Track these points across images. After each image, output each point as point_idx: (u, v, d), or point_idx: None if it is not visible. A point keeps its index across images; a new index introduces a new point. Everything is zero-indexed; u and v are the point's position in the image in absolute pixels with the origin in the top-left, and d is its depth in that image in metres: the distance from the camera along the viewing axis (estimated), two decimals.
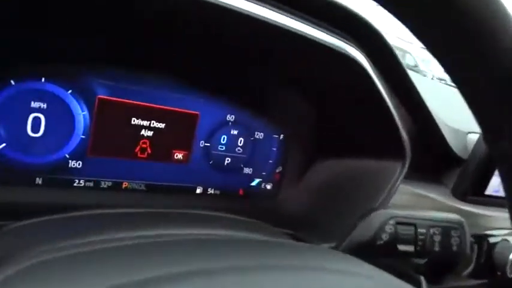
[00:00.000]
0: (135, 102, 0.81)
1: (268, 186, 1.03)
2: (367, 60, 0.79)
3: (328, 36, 0.74)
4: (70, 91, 0.75)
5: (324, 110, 0.98)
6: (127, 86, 0.80)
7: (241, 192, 0.99)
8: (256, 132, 0.97)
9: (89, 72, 0.76)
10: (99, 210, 0.70)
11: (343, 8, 0.74)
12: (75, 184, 0.80)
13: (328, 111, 0.97)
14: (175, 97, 0.85)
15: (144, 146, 0.85)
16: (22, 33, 0.68)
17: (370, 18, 0.79)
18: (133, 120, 0.82)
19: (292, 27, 0.69)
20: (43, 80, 0.73)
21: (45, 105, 0.74)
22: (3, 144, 0.72)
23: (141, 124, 0.83)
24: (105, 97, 0.79)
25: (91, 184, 0.82)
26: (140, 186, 0.87)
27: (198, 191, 0.94)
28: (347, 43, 0.76)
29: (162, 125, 0.85)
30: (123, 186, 0.85)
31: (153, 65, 0.82)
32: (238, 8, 0.63)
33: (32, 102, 0.73)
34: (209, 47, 0.81)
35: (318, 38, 0.72)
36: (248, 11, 0.64)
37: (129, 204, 0.84)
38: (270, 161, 1.01)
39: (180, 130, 0.88)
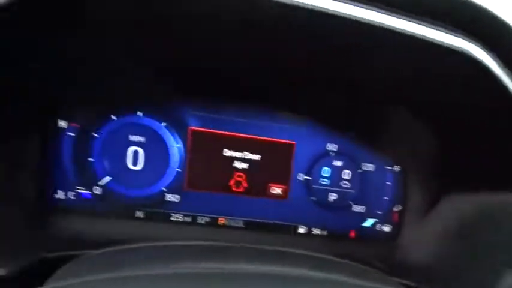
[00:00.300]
0: (227, 132, 0.79)
1: (386, 228, 0.86)
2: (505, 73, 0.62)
3: (452, 37, 0.59)
4: (164, 124, 0.77)
5: (449, 135, 0.80)
6: (219, 117, 0.79)
7: (352, 234, 0.86)
8: (364, 164, 0.85)
9: (181, 105, 0.78)
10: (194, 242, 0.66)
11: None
12: (172, 218, 0.79)
13: (454, 138, 0.80)
14: (269, 126, 0.81)
15: (239, 179, 0.80)
16: (120, 71, 0.73)
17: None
18: (227, 152, 0.79)
19: (410, 31, 0.56)
20: (140, 114, 0.76)
21: (142, 139, 0.76)
22: (108, 178, 0.76)
23: (235, 156, 0.80)
24: (198, 128, 0.78)
25: (188, 219, 0.79)
26: (238, 223, 0.81)
27: (301, 230, 0.84)
28: (477, 45, 0.60)
29: (256, 157, 0.80)
30: (220, 222, 0.81)
31: (245, 95, 0.80)
32: (341, 13, 0.54)
33: (131, 136, 0.76)
34: (307, 71, 0.75)
35: (442, 41, 0.58)
36: (354, 15, 0.54)
37: (227, 240, 0.78)
38: (386, 198, 0.86)
39: (276, 162, 0.81)
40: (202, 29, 0.59)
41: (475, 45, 0.58)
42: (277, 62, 0.71)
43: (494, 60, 0.58)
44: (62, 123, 0.74)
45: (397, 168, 0.86)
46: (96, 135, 0.75)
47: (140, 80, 0.75)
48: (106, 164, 0.76)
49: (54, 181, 0.74)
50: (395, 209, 0.86)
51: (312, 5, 0.50)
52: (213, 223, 0.80)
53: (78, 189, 0.75)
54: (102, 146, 0.75)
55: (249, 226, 0.81)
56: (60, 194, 0.74)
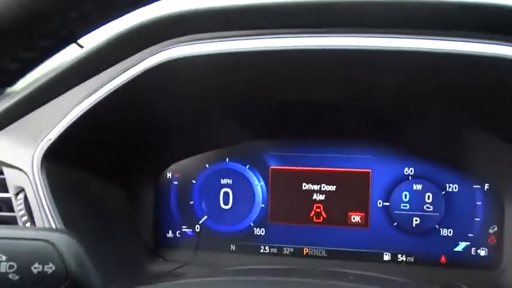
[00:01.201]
0: (304, 168, 0.87)
1: (482, 252, 0.81)
2: None
3: None
4: (248, 166, 0.89)
5: None
6: (296, 154, 0.88)
7: (443, 259, 0.83)
8: (447, 185, 0.83)
9: (261, 148, 0.89)
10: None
11: None
12: (261, 250, 0.89)
13: None
14: (343, 158, 0.86)
15: (318, 210, 0.86)
16: (212, 128, 0.89)
17: None
18: (305, 186, 0.87)
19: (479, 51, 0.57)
20: (227, 160, 0.90)
21: (230, 181, 0.89)
22: (206, 217, 0.90)
23: (313, 188, 0.87)
24: (277, 167, 0.88)
25: (275, 250, 0.88)
26: (321, 252, 0.87)
27: (386, 257, 0.84)
28: None
29: (333, 188, 0.86)
30: (304, 252, 0.87)
31: (320, 131, 0.88)
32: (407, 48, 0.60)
33: (221, 180, 0.90)
34: (377, 98, 0.79)
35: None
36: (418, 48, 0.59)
37: (312, 269, 0.84)
38: (477, 219, 0.81)
39: (353, 191, 0.85)
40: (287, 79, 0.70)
41: None
42: (361, 101, 0.77)
43: None
44: (169, 175, 0.92)
45: (486, 186, 0.81)
46: (194, 181, 0.91)
47: (227, 132, 0.89)
48: (203, 205, 0.90)
49: (165, 223, 0.91)
50: (490, 231, 0.81)
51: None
52: (298, 253, 0.87)
53: (183, 228, 0.91)
54: (200, 190, 0.90)
55: (332, 255, 0.86)
56: (170, 233, 0.91)
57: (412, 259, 0.84)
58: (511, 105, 0.66)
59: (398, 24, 0.59)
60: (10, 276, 0.51)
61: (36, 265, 0.51)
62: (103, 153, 0.78)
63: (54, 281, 0.52)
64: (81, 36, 0.35)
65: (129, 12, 0.34)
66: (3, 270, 0.50)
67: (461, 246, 0.82)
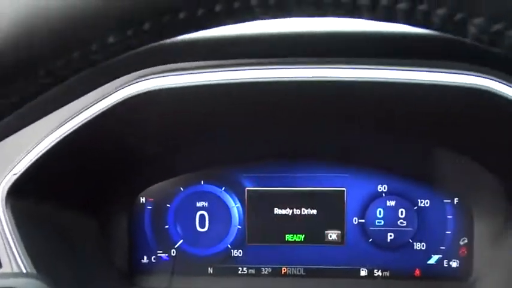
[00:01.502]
0: (280, 188, 0.87)
1: (454, 264, 0.84)
2: None
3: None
4: (223, 188, 0.88)
5: (504, 168, 0.77)
6: (271, 175, 0.87)
7: (417, 272, 0.85)
8: (419, 200, 0.85)
9: (236, 169, 0.88)
10: None
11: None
12: (239, 272, 0.88)
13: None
14: (318, 177, 0.86)
15: (294, 229, 0.87)
16: (186, 152, 0.87)
17: None
18: (281, 206, 0.87)
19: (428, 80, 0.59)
20: (202, 182, 0.88)
21: (206, 204, 0.88)
22: (181, 241, 0.89)
23: (289, 208, 0.87)
24: (253, 188, 0.87)
25: (253, 271, 0.88)
26: (299, 271, 0.87)
27: (363, 273, 0.86)
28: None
29: (309, 207, 0.86)
30: (283, 271, 0.87)
31: (294, 152, 0.88)
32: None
33: (197, 203, 0.88)
34: (349, 120, 0.80)
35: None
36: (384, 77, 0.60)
37: None
38: (448, 232, 0.84)
39: (329, 209, 0.86)
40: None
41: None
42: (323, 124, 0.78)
43: None
44: (143, 199, 0.89)
45: (456, 200, 0.84)
46: (169, 205, 0.89)
47: (202, 156, 0.87)
48: (179, 229, 0.89)
49: (140, 249, 0.89)
50: (461, 243, 0.84)
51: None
52: (276, 273, 0.87)
53: (158, 253, 0.89)
54: (175, 214, 0.89)
55: (310, 273, 0.86)
56: (145, 259, 0.89)
57: (387, 273, 0.85)
58: (475, 127, 0.68)
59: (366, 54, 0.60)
60: None
61: None
62: (73, 184, 0.75)
63: None
64: None
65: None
66: None
67: (434, 259, 0.84)
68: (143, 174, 0.86)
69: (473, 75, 0.57)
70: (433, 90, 0.59)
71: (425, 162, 0.83)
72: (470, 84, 0.58)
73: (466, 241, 0.83)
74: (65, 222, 0.76)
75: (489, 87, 0.57)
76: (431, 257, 0.84)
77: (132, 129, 0.70)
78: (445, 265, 0.84)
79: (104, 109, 0.61)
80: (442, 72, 0.58)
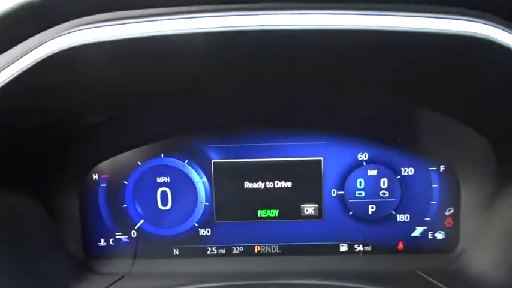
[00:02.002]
0: (250, 159, 0.78)
1: (439, 236, 0.78)
2: None
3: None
4: (186, 161, 0.78)
5: (495, 130, 0.70)
6: (240, 145, 0.78)
7: (400, 245, 0.79)
8: (403, 169, 0.77)
9: (201, 140, 0.78)
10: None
11: None
12: (208, 252, 0.80)
13: (501, 133, 0.69)
14: (292, 146, 0.78)
15: (268, 204, 0.78)
16: (140, 120, 0.76)
17: None
18: (252, 179, 0.78)
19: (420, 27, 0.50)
20: (162, 155, 0.79)
21: (168, 179, 0.79)
22: (142, 221, 0.80)
23: (261, 181, 0.78)
24: (220, 160, 0.78)
25: (223, 251, 0.80)
26: (273, 249, 0.80)
27: (343, 248, 0.79)
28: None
29: (283, 179, 0.78)
30: (256, 250, 0.80)
31: (262, 119, 0.78)
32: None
33: (158, 178, 0.79)
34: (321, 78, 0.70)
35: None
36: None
37: (264, 269, 0.78)
38: (433, 202, 0.77)
39: (305, 181, 0.78)
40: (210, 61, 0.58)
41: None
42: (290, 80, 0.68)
43: None
44: (95, 176, 0.79)
45: (442, 167, 0.77)
46: (126, 182, 0.79)
47: (159, 125, 0.77)
48: (139, 208, 0.79)
49: (96, 231, 0.79)
50: (446, 213, 0.77)
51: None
52: (249, 252, 0.80)
53: (117, 235, 0.79)
54: (133, 191, 0.79)
55: (286, 251, 0.79)
56: (102, 242, 0.79)
57: (369, 248, 0.79)
58: (468, 84, 0.59)
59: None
60: None
61: None
62: (12, 161, 0.64)
63: None
64: None
65: None
66: None
67: (418, 231, 0.78)
68: (92, 147, 0.75)
69: (471, 21, 0.48)
70: (423, 39, 0.49)
71: (408, 126, 0.75)
72: (468, 32, 0.48)
73: (452, 211, 0.77)
74: (9, 208, 0.65)
75: (490, 36, 0.48)
76: (416, 229, 0.78)
77: (70, 87, 0.58)
78: (430, 237, 0.78)
79: (25, 68, 0.49)
80: (434, 17, 0.48)
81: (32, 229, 0.71)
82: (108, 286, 0.72)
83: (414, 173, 0.77)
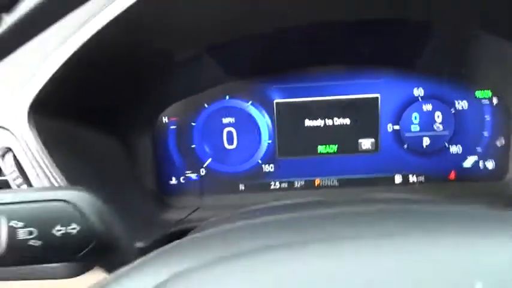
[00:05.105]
0: (310, 99, 0.83)
1: (490, 165, 0.83)
2: None
3: None
4: (250, 102, 0.83)
5: None
6: (300, 85, 0.83)
7: (452, 175, 0.84)
8: (457, 102, 0.81)
9: (263, 81, 0.83)
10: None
11: None
12: (271, 187, 0.86)
13: None
14: (350, 84, 0.82)
15: (328, 140, 0.84)
16: (205, 64, 0.81)
17: None
18: (312, 117, 0.83)
19: None
20: (227, 97, 0.83)
21: (233, 119, 0.84)
22: (210, 159, 0.85)
23: (321, 119, 0.83)
24: (282, 100, 0.83)
25: (285, 185, 0.86)
26: (332, 182, 0.85)
27: (397, 180, 0.84)
28: None
29: (341, 116, 0.83)
30: (316, 183, 0.85)
31: (321, 58, 0.82)
32: None
33: (223, 119, 0.84)
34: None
35: None
36: None
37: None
38: (485, 134, 0.82)
39: (363, 118, 0.83)
40: None
41: None
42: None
43: None
44: (165, 119, 0.85)
45: (495, 100, 0.81)
46: (194, 123, 0.84)
47: (223, 67, 0.81)
48: (206, 147, 0.85)
49: (168, 169, 0.85)
50: (497, 144, 0.82)
51: None
52: (310, 185, 0.85)
53: (186, 173, 0.85)
54: (201, 132, 0.84)
55: (344, 183, 0.85)
56: (173, 180, 0.86)
57: (422, 179, 0.84)
58: None
59: None
60: (31, 242, 0.45)
61: (58, 227, 0.45)
62: (93, 100, 0.69)
63: (80, 242, 0.46)
64: None
65: None
66: (21, 237, 0.44)
67: (469, 161, 0.83)
68: (162, 92, 0.80)
69: None
70: None
71: (463, 60, 0.78)
72: None
73: (503, 141, 0.82)
74: (90, 140, 0.71)
75: None
76: (467, 158, 0.83)
77: (152, 31, 0.62)
78: (481, 166, 0.83)
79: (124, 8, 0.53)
80: None
81: (113, 163, 0.77)
82: (187, 216, 0.78)
83: (468, 106, 0.81)
